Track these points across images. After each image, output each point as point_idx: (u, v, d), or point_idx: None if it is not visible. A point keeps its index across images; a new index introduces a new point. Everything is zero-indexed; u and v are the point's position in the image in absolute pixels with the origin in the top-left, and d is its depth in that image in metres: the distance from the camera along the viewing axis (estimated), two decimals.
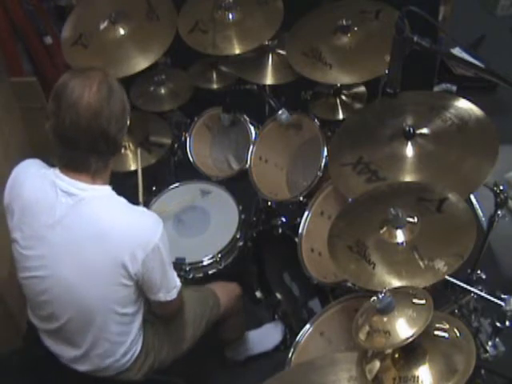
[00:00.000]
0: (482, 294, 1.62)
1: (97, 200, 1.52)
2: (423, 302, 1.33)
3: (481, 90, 3.10)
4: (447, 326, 1.36)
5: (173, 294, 1.64)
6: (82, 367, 1.69)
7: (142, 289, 1.61)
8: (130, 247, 1.49)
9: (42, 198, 1.53)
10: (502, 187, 1.66)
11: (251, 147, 2.31)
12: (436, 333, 1.35)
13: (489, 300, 1.59)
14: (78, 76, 1.46)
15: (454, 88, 3.27)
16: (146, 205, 2.26)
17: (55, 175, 1.52)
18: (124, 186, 2.21)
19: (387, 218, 1.56)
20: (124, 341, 1.66)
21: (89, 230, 1.49)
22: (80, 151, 1.48)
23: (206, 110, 2.50)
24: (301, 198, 2.15)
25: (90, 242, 1.49)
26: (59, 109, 1.44)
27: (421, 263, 1.49)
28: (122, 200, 1.56)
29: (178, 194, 2.34)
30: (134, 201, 2.08)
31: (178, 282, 1.65)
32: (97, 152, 1.49)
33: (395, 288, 1.42)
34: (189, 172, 2.44)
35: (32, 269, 1.58)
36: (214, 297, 1.98)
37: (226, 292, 2.02)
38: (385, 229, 1.58)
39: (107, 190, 1.55)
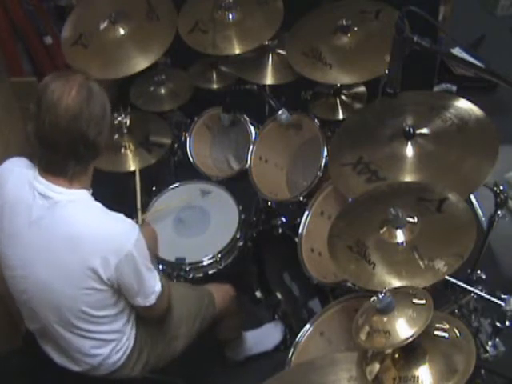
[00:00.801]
0: (482, 294, 1.62)
1: (72, 204, 1.52)
2: (423, 301, 1.33)
3: (481, 90, 3.10)
4: (447, 326, 1.36)
5: (151, 300, 1.63)
6: (74, 368, 1.71)
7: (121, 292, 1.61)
8: (102, 252, 1.49)
9: (20, 197, 1.54)
10: (501, 187, 1.66)
11: (251, 147, 2.31)
12: (436, 333, 1.35)
13: (489, 300, 1.59)
14: (58, 79, 1.46)
15: (454, 88, 3.27)
16: (146, 206, 2.25)
17: (34, 177, 1.53)
18: (124, 186, 2.22)
19: (387, 218, 1.56)
20: (110, 339, 1.67)
21: (62, 233, 1.50)
22: (59, 155, 1.48)
23: (206, 110, 2.50)
24: (301, 198, 2.15)
25: (63, 245, 1.50)
26: (39, 111, 1.44)
27: (421, 263, 1.49)
28: (98, 205, 1.56)
29: (178, 194, 2.34)
30: (131, 202, 2.10)
31: (157, 288, 1.63)
32: (76, 156, 1.49)
33: (395, 288, 1.42)
34: (189, 172, 2.44)
35: (12, 267, 1.60)
36: (210, 295, 1.98)
37: (220, 292, 2.02)
38: (385, 229, 1.58)
39: (84, 194, 1.55)
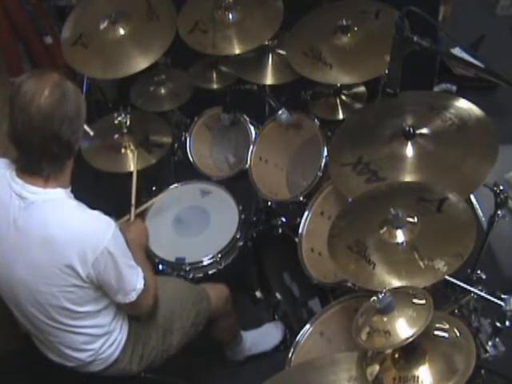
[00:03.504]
0: (482, 294, 1.62)
1: (46, 204, 1.52)
2: (423, 301, 1.33)
3: (481, 90, 3.10)
4: (447, 326, 1.36)
5: (131, 297, 1.63)
6: (68, 363, 1.73)
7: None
8: (79, 250, 1.49)
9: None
10: (501, 187, 1.66)
11: (251, 147, 2.31)
12: (436, 333, 1.35)
13: (489, 300, 1.59)
14: (32, 78, 1.45)
15: (454, 88, 3.27)
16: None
17: (11, 177, 1.54)
18: (125, 186, 2.21)
19: (387, 218, 1.56)
20: (100, 334, 1.69)
21: (36, 234, 1.50)
22: (33, 155, 1.48)
23: (206, 110, 2.50)
24: (301, 198, 2.14)
25: (39, 246, 1.50)
26: (13, 111, 1.44)
27: (421, 263, 1.49)
28: (73, 203, 1.55)
29: (178, 194, 2.34)
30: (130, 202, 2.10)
31: (138, 285, 1.63)
32: (50, 156, 1.49)
33: (395, 288, 1.42)
34: (189, 172, 2.44)
35: None
36: (204, 291, 1.99)
37: (214, 291, 2.02)
38: (385, 229, 1.58)
39: (59, 193, 1.54)
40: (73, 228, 1.51)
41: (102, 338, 1.69)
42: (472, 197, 2.24)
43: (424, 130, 1.82)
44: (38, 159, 1.49)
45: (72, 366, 1.73)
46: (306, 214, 2.07)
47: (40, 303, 1.59)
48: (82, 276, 1.53)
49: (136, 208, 2.11)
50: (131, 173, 2.20)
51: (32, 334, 1.75)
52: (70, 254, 1.49)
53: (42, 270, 1.53)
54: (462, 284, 1.61)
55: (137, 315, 1.78)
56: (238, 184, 2.36)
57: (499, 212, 1.70)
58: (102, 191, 2.55)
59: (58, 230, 1.50)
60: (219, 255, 2.11)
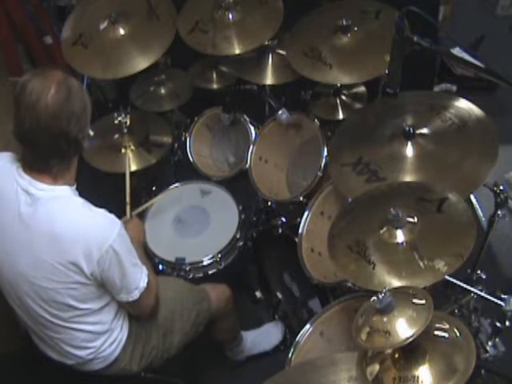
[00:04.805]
0: (482, 294, 1.62)
1: (53, 201, 1.52)
2: (423, 302, 1.33)
3: (481, 90, 3.10)
4: (447, 326, 1.36)
5: (134, 295, 1.63)
6: (68, 361, 1.73)
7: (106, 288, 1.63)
8: (84, 247, 1.50)
9: (5, 192, 1.55)
10: (501, 187, 1.66)
11: (251, 147, 2.31)
12: (436, 333, 1.35)
13: (489, 300, 1.59)
14: (36, 77, 1.45)
15: (454, 88, 3.27)
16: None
17: (17, 173, 1.54)
18: (125, 186, 2.22)
19: (387, 218, 1.56)
20: (102, 332, 1.69)
21: (42, 230, 1.50)
22: (42, 153, 1.48)
23: (206, 110, 2.50)
24: (301, 198, 2.15)
25: (45, 242, 1.51)
26: (19, 111, 1.44)
27: (421, 263, 1.49)
28: (80, 200, 1.56)
29: (178, 194, 2.35)
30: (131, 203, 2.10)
31: (141, 284, 1.63)
32: (58, 153, 1.49)
33: (395, 288, 1.42)
34: (189, 172, 2.44)
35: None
36: (204, 291, 1.99)
37: (215, 292, 2.02)
38: (385, 229, 1.58)
39: (65, 190, 1.54)
40: (79, 225, 1.51)
41: (103, 336, 1.69)
42: (472, 197, 2.24)
43: (424, 130, 1.82)
44: (46, 157, 1.49)
45: (72, 364, 1.73)
46: (306, 214, 2.07)
47: (43, 299, 1.59)
48: (87, 273, 1.53)
49: (132, 207, 2.10)
50: (131, 172, 2.20)
51: (32, 332, 1.75)
52: (75, 251, 1.50)
53: (48, 265, 1.53)
54: (462, 284, 1.61)
55: (139, 315, 1.78)
56: (238, 184, 2.36)
57: (499, 212, 1.71)
58: (101, 191, 2.54)
59: (64, 227, 1.50)
60: (219, 255, 2.11)
